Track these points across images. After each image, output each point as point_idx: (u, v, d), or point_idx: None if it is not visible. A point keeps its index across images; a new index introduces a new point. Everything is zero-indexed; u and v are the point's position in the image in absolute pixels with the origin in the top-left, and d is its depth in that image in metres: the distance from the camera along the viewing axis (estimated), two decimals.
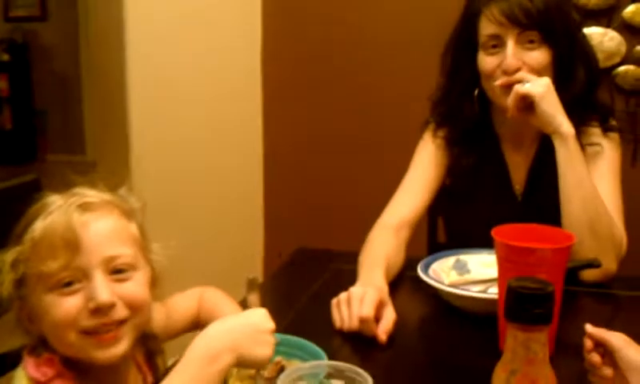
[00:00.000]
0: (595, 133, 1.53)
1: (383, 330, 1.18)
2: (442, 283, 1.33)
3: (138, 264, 0.97)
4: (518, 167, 1.60)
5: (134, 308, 0.94)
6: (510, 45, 1.45)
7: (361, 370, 0.84)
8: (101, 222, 0.94)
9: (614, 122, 1.57)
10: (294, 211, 2.77)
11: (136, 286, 0.95)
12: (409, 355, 1.18)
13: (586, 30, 2.08)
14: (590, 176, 1.43)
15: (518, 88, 1.41)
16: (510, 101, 1.43)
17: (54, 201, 0.94)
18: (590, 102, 1.55)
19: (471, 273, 1.42)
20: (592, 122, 1.54)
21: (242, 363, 0.89)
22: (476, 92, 1.56)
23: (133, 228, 0.99)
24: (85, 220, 0.92)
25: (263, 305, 0.98)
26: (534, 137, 1.58)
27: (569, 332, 1.11)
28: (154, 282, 1.01)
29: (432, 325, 1.33)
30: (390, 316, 1.21)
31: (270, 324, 0.93)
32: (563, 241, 1.10)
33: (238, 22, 2.68)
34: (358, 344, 1.17)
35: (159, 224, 1.05)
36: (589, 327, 0.99)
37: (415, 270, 1.36)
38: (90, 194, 0.96)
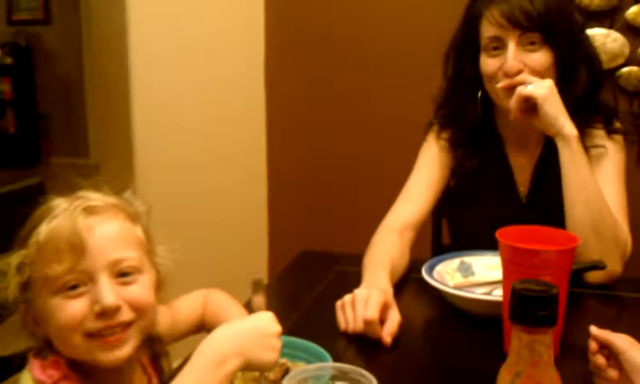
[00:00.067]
0: (599, 135, 1.53)
1: (388, 332, 1.18)
2: (447, 285, 1.33)
3: (143, 267, 0.97)
4: (522, 169, 1.60)
5: (139, 311, 0.94)
6: (511, 47, 1.45)
7: (365, 372, 0.84)
8: (106, 226, 0.94)
9: (617, 124, 1.57)
10: (298, 213, 2.77)
11: (141, 289, 0.95)
12: (413, 357, 1.18)
13: (589, 32, 2.08)
14: (593, 178, 1.43)
15: (521, 90, 1.41)
16: (512, 103, 1.43)
17: (59, 204, 0.95)
18: (594, 104, 1.55)
19: (476, 275, 1.42)
20: (596, 124, 1.54)
21: (248, 367, 0.90)
22: (479, 94, 1.56)
23: (138, 231, 0.99)
24: (90, 223, 0.92)
25: (268, 307, 0.99)
26: (538, 138, 1.58)
27: (574, 334, 1.11)
28: (159, 285, 1.01)
29: (436, 327, 1.33)
30: (394, 318, 1.21)
31: (277, 328, 0.93)
32: (567, 243, 1.10)
33: (242, 20, 2.68)
34: (362, 346, 1.17)
35: (163, 227, 1.05)
36: (593, 329, 0.99)
37: (419, 272, 1.36)
38: (95, 198, 0.96)
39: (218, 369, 0.86)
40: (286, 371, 0.98)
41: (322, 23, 2.65)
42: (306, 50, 2.69)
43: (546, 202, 1.54)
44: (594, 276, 1.40)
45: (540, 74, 1.44)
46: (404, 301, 1.33)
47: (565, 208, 1.43)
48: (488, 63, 1.50)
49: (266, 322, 0.93)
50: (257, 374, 0.98)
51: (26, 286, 0.93)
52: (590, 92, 1.52)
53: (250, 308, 1.04)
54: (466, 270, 1.43)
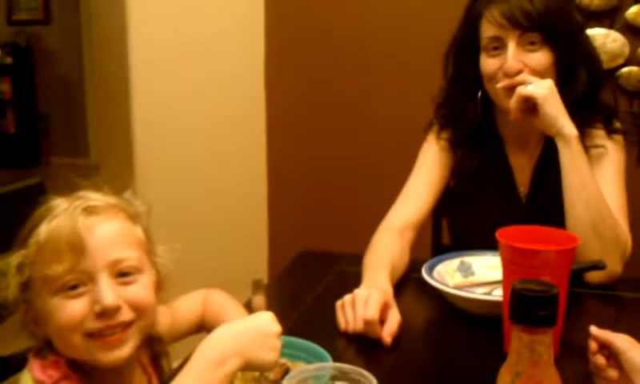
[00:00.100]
0: (599, 135, 1.53)
1: (388, 332, 1.18)
2: (447, 285, 1.33)
3: (143, 267, 0.97)
4: (523, 169, 1.60)
5: (139, 311, 0.94)
6: (511, 47, 1.45)
7: (365, 372, 0.84)
8: (106, 226, 0.94)
9: (618, 124, 1.57)
10: (298, 213, 2.77)
11: (141, 289, 0.95)
12: (413, 357, 1.18)
13: (589, 32, 2.08)
14: (593, 178, 1.43)
15: (521, 90, 1.41)
16: (512, 103, 1.43)
17: (59, 204, 0.95)
18: (594, 104, 1.55)
19: (475, 275, 1.42)
20: (596, 124, 1.54)
21: (248, 367, 0.90)
22: (479, 94, 1.56)
23: (138, 231, 0.99)
24: (90, 223, 0.92)
25: (268, 307, 0.99)
26: (538, 138, 1.58)
27: (574, 334, 1.11)
28: (159, 285, 1.02)
29: (436, 327, 1.33)
30: (394, 318, 1.21)
31: (277, 328, 0.93)
32: (567, 243, 1.10)
33: (242, 20, 2.68)
34: (362, 346, 1.18)
35: (163, 227, 1.05)
36: (593, 329, 0.99)
37: (420, 272, 1.36)
38: (95, 198, 0.96)
39: (218, 369, 0.86)
40: (286, 371, 0.98)
41: (321, 23, 2.65)
42: (305, 50, 2.69)
43: (546, 202, 1.54)
44: (593, 276, 1.40)
45: (540, 74, 1.44)
46: (404, 301, 1.33)
47: (565, 208, 1.43)
48: (488, 63, 1.50)
49: (266, 322, 0.93)
50: (257, 374, 0.98)
51: (25, 286, 0.93)
52: (590, 92, 1.52)
53: (250, 308, 1.04)
54: (466, 270, 1.43)
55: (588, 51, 1.54)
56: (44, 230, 0.92)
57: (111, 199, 0.98)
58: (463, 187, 1.64)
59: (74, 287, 0.91)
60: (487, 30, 1.48)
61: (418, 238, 1.56)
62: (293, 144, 2.76)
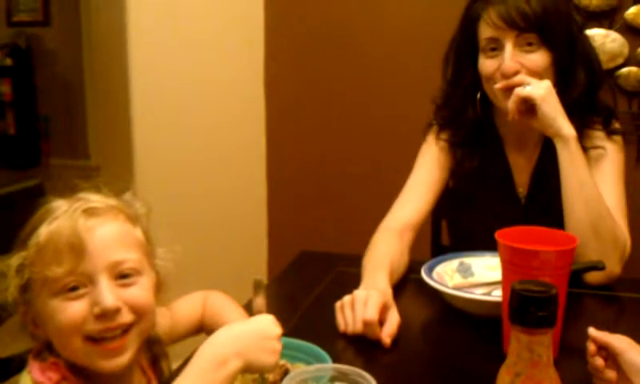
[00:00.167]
0: (598, 136, 1.53)
1: (387, 333, 1.18)
2: (446, 286, 1.33)
3: (143, 269, 0.97)
4: (522, 169, 1.61)
5: (139, 313, 0.94)
6: (508, 48, 1.45)
7: (365, 373, 0.84)
8: (106, 227, 0.94)
9: (617, 125, 1.57)
10: (297, 214, 2.77)
11: (141, 291, 0.95)
12: (413, 358, 1.18)
13: (588, 32, 2.08)
14: (592, 178, 1.43)
15: (519, 91, 1.41)
16: (510, 104, 1.43)
17: (59, 206, 0.95)
18: (593, 104, 1.55)
19: (475, 276, 1.42)
20: (595, 125, 1.54)
21: (248, 369, 0.90)
22: (478, 95, 1.56)
23: (138, 233, 0.99)
24: (90, 225, 0.92)
25: (268, 308, 0.99)
26: (537, 139, 1.58)
27: (573, 334, 1.11)
28: (159, 287, 1.02)
29: (436, 328, 1.33)
30: (393, 319, 1.21)
31: (277, 330, 0.93)
32: (567, 243, 1.10)
33: (241, 21, 2.68)
34: (361, 347, 1.17)
35: (163, 228, 1.05)
36: (592, 331, 0.99)
37: (419, 273, 1.36)
38: (95, 199, 0.97)
39: (218, 370, 0.86)
40: (286, 372, 0.98)
41: (321, 24, 2.65)
42: (305, 50, 2.70)
43: (545, 203, 1.54)
44: (593, 276, 1.40)
45: (538, 75, 1.44)
46: (403, 302, 1.33)
47: (564, 209, 1.43)
48: (486, 64, 1.50)
49: (267, 324, 0.93)
50: (256, 375, 0.98)
51: (25, 288, 0.94)
52: (589, 92, 1.52)
53: (250, 309, 1.04)
54: (465, 270, 1.43)
55: (587, 51, 1.54)
56: (44, 231, 0.92)
57: (111, 201, 0.98)
58: (462, 188, 1.64)
59: (74, 289, 0.91)
60: (485, 31, 1.48)
61: (417, 238, 1.56)
62: (292, 145, 2.76)
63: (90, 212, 0.94)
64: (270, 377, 0.97)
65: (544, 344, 0.69)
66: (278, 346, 0.92)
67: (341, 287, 1.31)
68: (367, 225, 1.55)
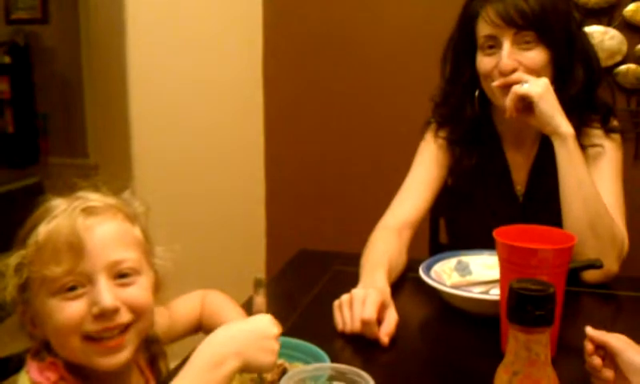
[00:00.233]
0: (597, 134, 1.53)
1: (385, 332, 1.18)
2: (444, 285, 1.33)
3: (142, 268, 0.97)
4: (520, 167, 1.61)
5: (138, 313, 0.94)
6: (506, 46, 1.45)
7: (363, 372, 0.84)
8: (105, 226, 0.94)
9: (615, 123, 1.56)
10: (295, 213, 2.77)
11: (139, 290, 0.95)
12: (411, 357, 1.18)
13: (587, 29, 2.08)
14: (590, 176, 1.43)
15: (517, 88, 1.41)
16: (508, 101, 1.43)
17: (58, 205, 0.95)
18: (591, 102, 1.55)
19: (473, 274, 1.42)
20: (593, 123, 1.54)
21: (246, 368, 0.90)
22: (477, 93, 1.56)
23: (137, 232, 0.99)
24: (89, 224, 0.92)
25: (267, 306, 0.99)
26: (535, 137, 1.58)
27: (571, 333, 1.11)
28: (157, 286, 1.02)
29: (434, 326, 1.33)
30: (392, 318, 1.21)
31: (275, 330, 0.93)
32: (564, 241, 1.10)
33: (240, 20, 2.68)
34: (360, 346, 1.17)
35: (161, 227, 1.05)
36: (589, 330, 0.99)
37: (417, 272, 1.36)
38: (94, 198, 0.97)
39: (216, 369, 0.86)
40: (284, 372, 0.98)
41: (320, 23, 2.65)
42: (303, 49, 2.69)
43: (543, 201, 1.54)
44: (590, 275, 1.40)
45: (536, 73, 1.44)
46: (401, 300, 1.33)
47: (562, 207, 1.43)
48: (484, 62, 1.50)
49: (265, 324, 0.93)
50: (254, 374, 0.98)
51: (24, 287, 0.93)
52: (587, 90, 1.52)
53: (249, 307, 1.04)
54: (463, 269, 1.43)
55: (585, 49, 1.53)
56: (43, 230, 0.92)
57: (110, 200, 0.98)
58: (461, 186, 1.64)
59: (73, 289, 0.91)
60: (483, 29, 1.48)
61: (415, 237, 1.56)
62: (290, 144, 2.76)
63: (88, 211, 0.94)
64: (268, 376, 0.97)
65: (542, 343, 0.69)
66: (276, 346, 0.92)
67: (339, 286, 1.31)
68: (366, 223, 1.55)
